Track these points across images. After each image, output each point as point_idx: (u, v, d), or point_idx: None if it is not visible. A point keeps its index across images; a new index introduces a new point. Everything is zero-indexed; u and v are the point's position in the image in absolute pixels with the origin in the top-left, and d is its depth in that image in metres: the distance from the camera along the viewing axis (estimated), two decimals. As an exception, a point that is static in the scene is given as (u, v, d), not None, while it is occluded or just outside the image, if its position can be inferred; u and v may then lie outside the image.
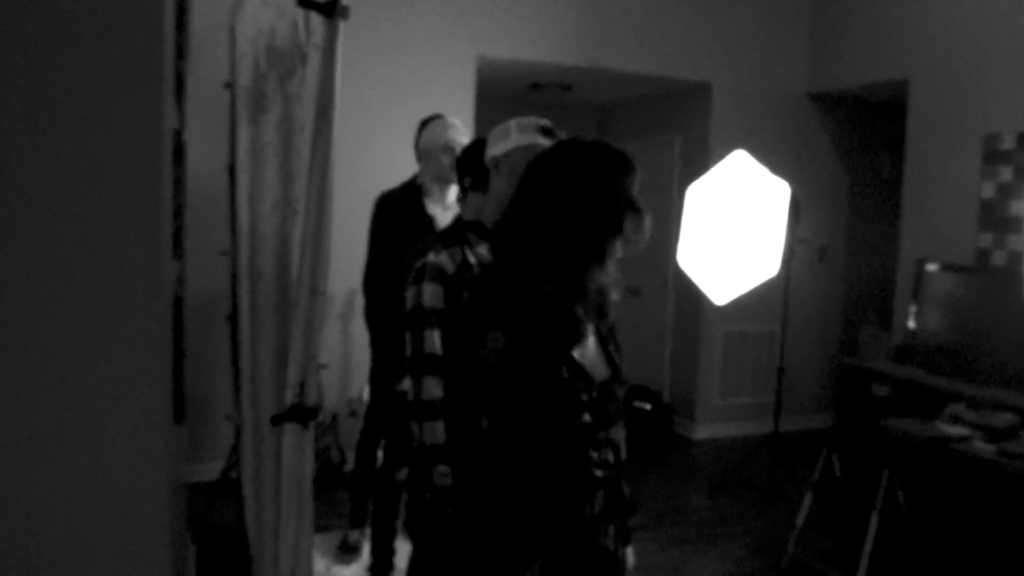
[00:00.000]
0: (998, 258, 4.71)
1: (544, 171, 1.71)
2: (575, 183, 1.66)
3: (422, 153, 3.31)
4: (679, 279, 5.74)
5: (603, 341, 1.79)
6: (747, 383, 6.20)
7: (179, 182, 1.90)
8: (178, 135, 1.83)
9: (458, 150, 3.26)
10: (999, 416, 3.68)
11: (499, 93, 6.37)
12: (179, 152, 1.82)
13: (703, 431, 6.10)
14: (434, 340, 1.90)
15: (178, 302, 1.93)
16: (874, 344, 5.06)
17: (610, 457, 1.78)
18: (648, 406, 5.83)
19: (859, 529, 3.68)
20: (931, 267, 4.84)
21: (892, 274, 5.52)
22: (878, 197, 6.48)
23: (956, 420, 3.77)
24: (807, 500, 3.88)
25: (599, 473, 1.74)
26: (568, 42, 5.44)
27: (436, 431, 1.87)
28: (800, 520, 3.88)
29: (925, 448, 3.45)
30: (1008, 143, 4.66)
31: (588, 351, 1.72)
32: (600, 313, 1.78)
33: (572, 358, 1.69)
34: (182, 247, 2.03)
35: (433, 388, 1.89)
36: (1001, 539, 3.56)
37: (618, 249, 1.70)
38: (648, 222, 1.69)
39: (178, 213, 1.89)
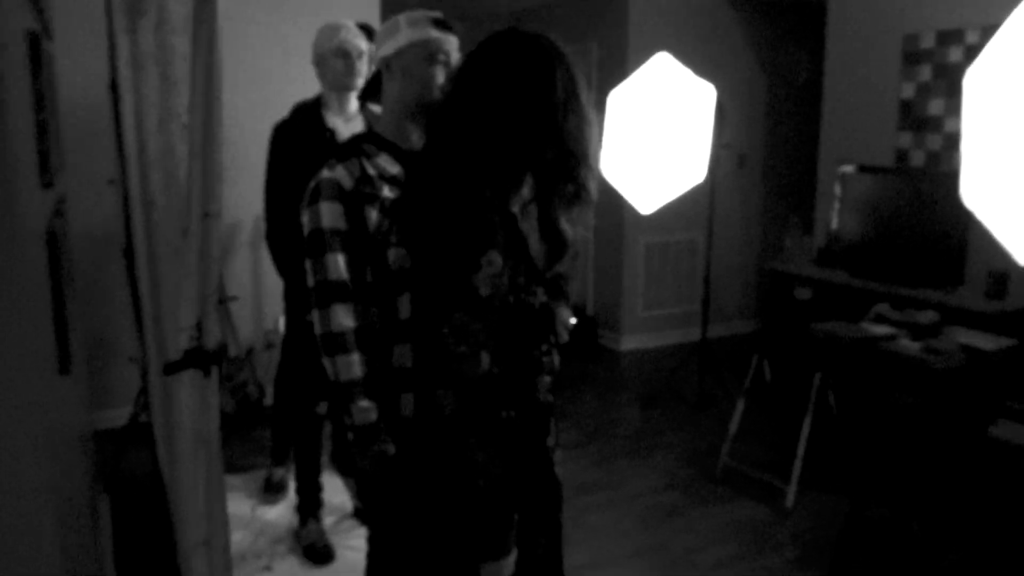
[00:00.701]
0: (916, 158, 4.72)
1: (484, 64, 1.51)
2: (515, 77, 1.47)
3: (316, 60, 3.05)
4: (599, 191, 5.60)
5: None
6: (670, 293, 6.19)
7: (41, 96, 1.63)
8: (34, 39, 1.55)
9: (354, 53, 3.01)
10: (922, 314, 3.70)
11: (405, 3, 6.01)
12: (37, 60, 1.54)
13: (629, 342, 6.08)
14: (338, 264, 1.69)
15: (53, 238, 1.67)
16: (798, 249, 5.06)
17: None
18: (573, 320, 5.76)
19: (791, 434, 3.71)
20: (850, 169, 4.82)
21: (812, 178, 5.50)
22: (796, 101, 6.44)
23: (881, 320, 3.78)
24: (739, 407, 3.87)
25: (551, 398, 1.63)
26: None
27: (351, 364, 1.68)
28: (733, 428, 3.88)
29: (853, 349, 3.44)
30: (927, 42, 4.61)
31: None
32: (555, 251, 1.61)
33: (557, 281, 1.55)
34: (51, 174, 1.76)
35: (343, 318, 1.68)
36: (929, 434, 3.62)
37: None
38: (595, 129, 1.52)
39: (43, 133, 1.62)
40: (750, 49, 6.19)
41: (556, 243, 1.59)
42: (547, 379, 1.62)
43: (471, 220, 1.46)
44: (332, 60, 2.98)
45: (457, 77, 1.54)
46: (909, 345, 3.46)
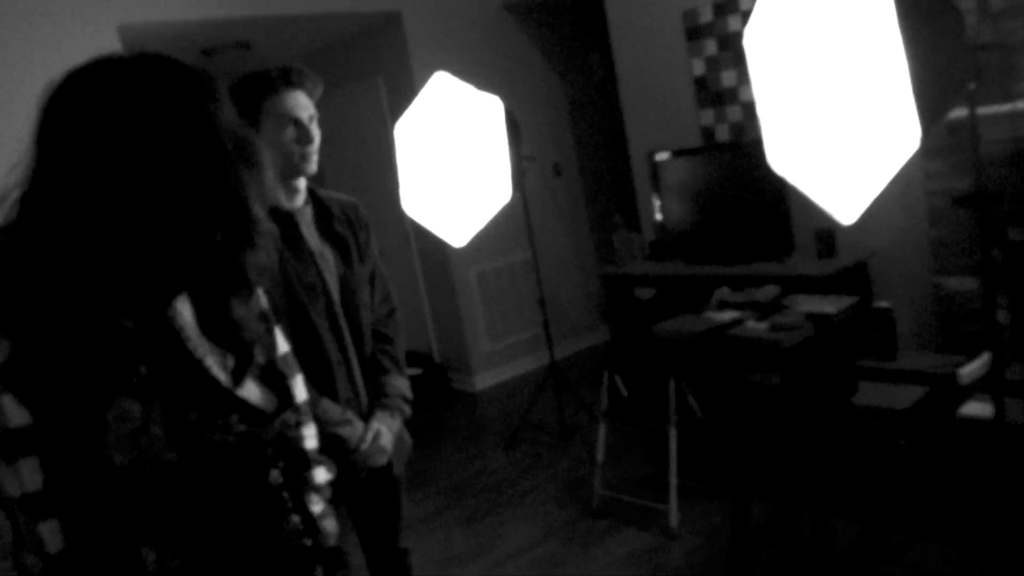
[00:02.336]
0: (721, 133, 4.61)
1: (82, 116, 1.02)
2: (146, 125, 0.97)
3: None
4: (419, 230, 5.26)
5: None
6: (514, 319, 5.87)
7: None
8: None
9: None
10: (762, 291, 3.54)
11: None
12: None
13: (482, 381, 5.72)
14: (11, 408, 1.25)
15: None
16: (628, 247, 4.86)
17: (316, 507, 1.25)
18: (416, 371, 5.36)
19: (661, 447, 3.44)
20: (662, 156, 4.67)
21: (629, 174, 5.34)
22: (599, 101, 6.31)
23: (724, 305, 3.59)
24: (602, 431, 3.58)
25: (308, 541, 1.20)
26: (225, -8, 4.67)
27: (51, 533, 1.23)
28: (600, 455, 3.58)
29: (701, 343, 3.22)
30: (706, 16, 4.52)
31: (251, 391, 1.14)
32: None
33: (247, 405, 1.11)
34: None
35: (54, 532, 1.24)
36: (796, 413, 3.44)
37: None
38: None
39: None
40: (541, 57, 6.01)
41: (236, 343, 1.15)
42: (295, 519, 1.18)
43: (73, 362, 0.96)
44: None
45: (39, 142, 1.00)
46: (756, 326, 3.27)
